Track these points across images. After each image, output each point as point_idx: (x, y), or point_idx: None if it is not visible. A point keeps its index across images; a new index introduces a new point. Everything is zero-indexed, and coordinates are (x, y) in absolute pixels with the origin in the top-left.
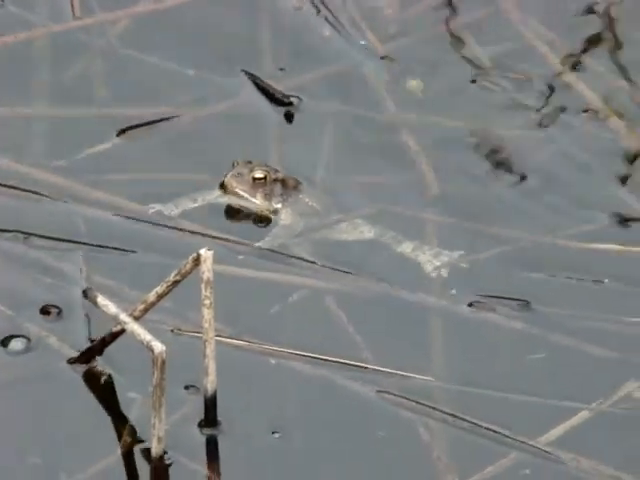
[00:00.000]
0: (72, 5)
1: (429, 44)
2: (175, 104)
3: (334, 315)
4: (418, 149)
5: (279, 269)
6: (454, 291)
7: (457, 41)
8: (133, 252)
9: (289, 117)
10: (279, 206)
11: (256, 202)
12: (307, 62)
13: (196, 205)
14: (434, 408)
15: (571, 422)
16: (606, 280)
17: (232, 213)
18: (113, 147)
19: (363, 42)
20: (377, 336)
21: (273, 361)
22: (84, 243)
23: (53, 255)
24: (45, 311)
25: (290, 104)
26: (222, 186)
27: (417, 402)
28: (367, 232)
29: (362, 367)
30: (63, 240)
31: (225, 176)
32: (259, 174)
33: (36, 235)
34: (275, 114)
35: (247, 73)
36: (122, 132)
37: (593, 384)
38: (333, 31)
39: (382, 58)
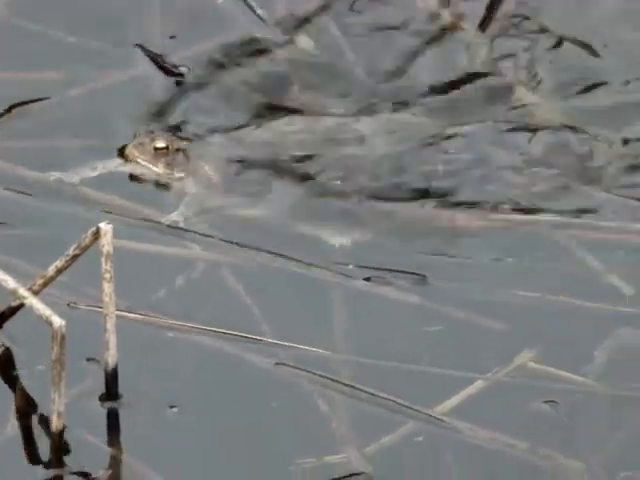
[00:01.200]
0: None
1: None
2: (66, 73)
3: (232, 288)
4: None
5: (177, 243)
6: (351, 266)
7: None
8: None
9: (180, 85)
10: (182, 175)
11: (158, 171)
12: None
13: (96, 174)
14: (332, 379)
15: (467, 391)
16: (499, 255)
17: (134, 181)
18: (6, 116)
19: (260, 11)
20: (275, 309)
21: (171, 334)
22: None
23: None
24: None
25: (180, 74)
26: (123, 155)
27: (315, 374)
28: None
29: (260, 340)
30: None
31: (126, 145)
32: (161, 143)
33: None
34: (166, 83)
35: (138, 44)
36: (16, 103)
37: (488, 355)
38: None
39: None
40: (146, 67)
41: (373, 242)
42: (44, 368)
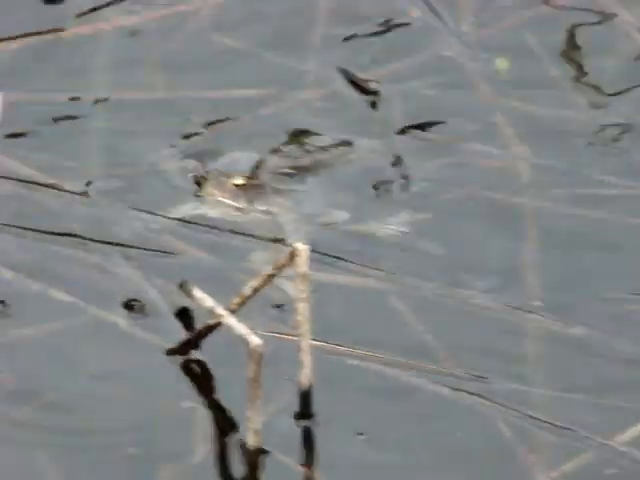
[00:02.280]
0: None
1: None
2: (259, 91)
3: (404, 316)
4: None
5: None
6: (538, 303)
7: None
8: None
9: (373, 105)
10: (265, 208)
11: (239, 206)
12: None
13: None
14: (513, 409)
15: None
16: None
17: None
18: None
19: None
20: (452, 338)
21: (354, 362)
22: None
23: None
24: (128, 306)
25: (375, 93)
26: (200, 196)
27: (496, 402)
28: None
29: (438, 370)
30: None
31: (201, 184)
32: (239, 180)
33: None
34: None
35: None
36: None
37: None
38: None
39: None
40: (341, 85)
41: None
42: (239, 386)
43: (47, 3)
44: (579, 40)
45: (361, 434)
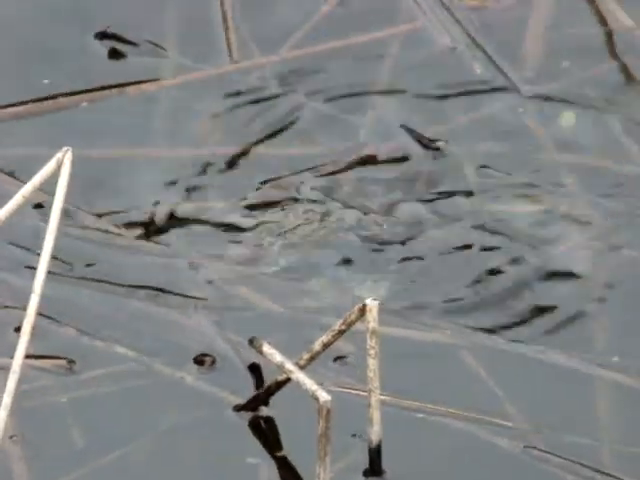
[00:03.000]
0: None
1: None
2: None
3: (473, 371)
4: None
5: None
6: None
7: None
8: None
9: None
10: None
11: None
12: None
13: None
14: (584, 465)
15: None
16: None
17: None
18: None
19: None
20: (518, 391)
21: (420, 415)
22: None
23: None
24: (199, 361)
25: (438, 149)
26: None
27: (566, 459)
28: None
29: (507, 425)
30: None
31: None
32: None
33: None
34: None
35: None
36: None
37: None
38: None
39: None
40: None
41: None
42: (307, 443)
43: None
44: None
45: None
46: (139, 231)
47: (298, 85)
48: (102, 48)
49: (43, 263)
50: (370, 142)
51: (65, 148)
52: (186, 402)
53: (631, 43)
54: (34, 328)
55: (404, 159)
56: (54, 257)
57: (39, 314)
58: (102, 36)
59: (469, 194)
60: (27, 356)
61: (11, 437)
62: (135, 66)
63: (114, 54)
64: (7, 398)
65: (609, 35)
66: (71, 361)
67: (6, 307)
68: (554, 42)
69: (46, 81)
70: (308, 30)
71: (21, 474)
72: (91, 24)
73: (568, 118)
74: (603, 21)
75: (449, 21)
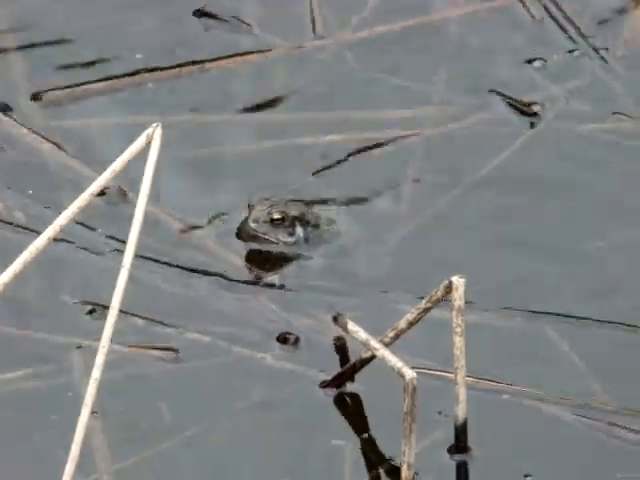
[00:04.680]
0: None
1: None
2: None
3: (560, 351)
4: None
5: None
6: None
7: None
8: None
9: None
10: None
11: (283, 241)
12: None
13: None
14: None
15: None
16: None
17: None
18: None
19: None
20: (609, 374)
21: (505, 397)
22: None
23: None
24: (283, 339)
25: (535, 114)
26: (240, 234)
27: None
28: None
29: (594, 407)
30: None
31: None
32: (277, 215)
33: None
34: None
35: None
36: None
37: None
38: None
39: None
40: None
41: None
42: (393, 419)
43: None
44: None
45: (528, 475)
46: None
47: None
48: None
49: (132, 238)
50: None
51: (155, 124)
52: (272, 380)
53: None
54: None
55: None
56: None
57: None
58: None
59: None
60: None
61: (93, 413)
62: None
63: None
64: (96, 372)
65: None
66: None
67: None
68: None
69: (139, 55)
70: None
71: (101, 447)
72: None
73: None
74: None
75: None
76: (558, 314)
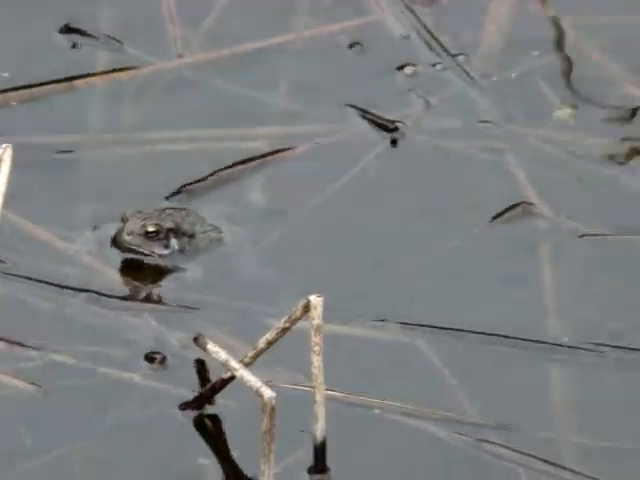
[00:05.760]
0: None
1: None
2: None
3: (431, 366)
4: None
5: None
6: (566, 339)
7: None
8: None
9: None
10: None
11: (158, 253)
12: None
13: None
14: (536, 457)
15: None
16: None
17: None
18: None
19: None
20: (477, 388)
21: (376, 411)
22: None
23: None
24: (150, 358)
25: (395, 130)
26: (116, 243)
27: (520, 452)
28: None
29: (462, 421)
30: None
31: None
32: (151, 227)
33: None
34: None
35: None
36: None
37: None
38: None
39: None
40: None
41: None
42: (253, 440)
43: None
44: None
45: None
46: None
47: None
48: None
49: None
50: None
51: (5, 145)
52: (137, 400)
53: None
54: None
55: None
56: None
57: None
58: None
59: None
60: None
61: None
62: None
63: (74, 47)
64: None
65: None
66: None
67: None
68: (510, 35)
69: (5, 74)
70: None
71: None
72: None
73: (564, 113)
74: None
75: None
76: (429, 325)
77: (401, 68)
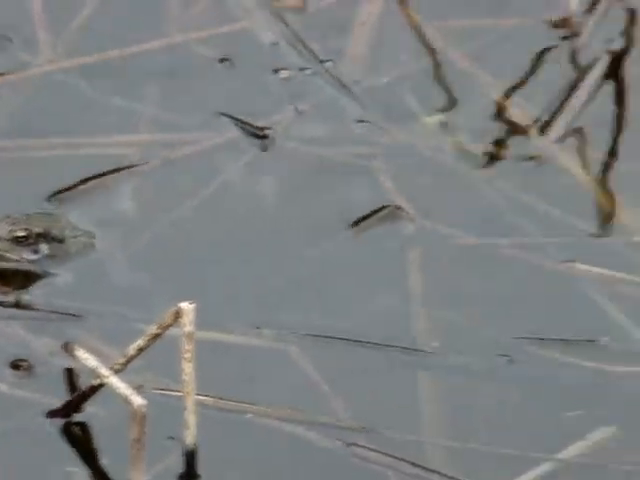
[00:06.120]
0: None
1: None
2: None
3: (304, 372)
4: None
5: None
6: (435, 344)
7: None
8: None
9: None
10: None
11: (27, 259)
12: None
13: None
14: (404, 460)
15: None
16: None
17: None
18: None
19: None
20: (349, 392)
21: (249, 416)
22: None
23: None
24: (16, 366)
25: (265, 137)
26: None
27: (389, 455)
28: None
29: (333, 425)
30: None
31: None
32: (21, 232)
33: None
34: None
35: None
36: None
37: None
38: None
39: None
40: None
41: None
42: (123, 447)
43: None
44: None
45: None
46: None
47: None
48: None
49: None
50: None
51: None
52: (3, 410)
53: None
54: None
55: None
56: None
57: None
58: None
59: None
60: None
61: None
62: None
63: None
64: None
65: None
66: None
67: None
68: (379, 41)
69: None
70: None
71: None
72: None
73: (433, 119)
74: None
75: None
76: (301, 332)
77: (271, 74)
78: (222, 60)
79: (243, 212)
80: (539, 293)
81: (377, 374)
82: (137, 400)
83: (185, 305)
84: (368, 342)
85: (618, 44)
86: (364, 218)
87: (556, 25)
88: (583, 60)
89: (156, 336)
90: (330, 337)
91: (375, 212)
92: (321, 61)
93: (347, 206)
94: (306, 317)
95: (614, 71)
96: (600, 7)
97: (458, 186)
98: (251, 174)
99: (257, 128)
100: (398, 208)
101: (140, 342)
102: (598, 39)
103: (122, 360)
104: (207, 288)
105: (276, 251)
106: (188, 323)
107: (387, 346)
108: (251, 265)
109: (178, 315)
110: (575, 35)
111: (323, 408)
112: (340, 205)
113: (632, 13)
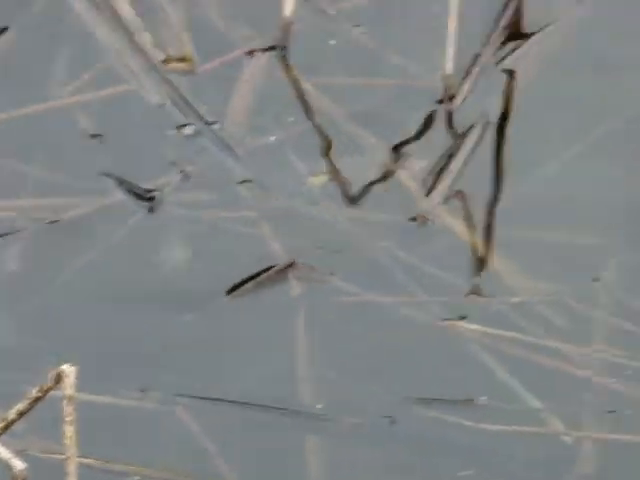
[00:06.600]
0: None
1: None
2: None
3: (190, 432)
4: None
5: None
6: (319, 406)
7: None
8: None
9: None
10: None
11: None
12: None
13: None
14: None
15: None
16: None
17: None
18: None
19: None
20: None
21: (135, 478)
22: None
23: None
24: None
25: (152, 199)
26: None
27: None
28: None
29: None
30: None
31: None
32: None
33: None
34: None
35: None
36: None
37: None
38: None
39: None
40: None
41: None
42: None
43: None
44: None
45: None
46: None
47: None
48: None
49: None
50: None
51: None
52: None
53: None
54: None
55: None
56: None
57: None
58: None
59: None
60: None
61: None
62: None
63: None
64: None
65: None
66: None
67: None
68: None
69: None
70: None
71: None
72: None
73: (319, 179)
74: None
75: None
76: (189, 395)
77: (159, 135)
78: (107, 124)
79: (131, 272)
80: (424, 351)
81: (265, 436)
82: (18, 464)
83: (66, 367)
84: (256, 405)
85: (495, 106)
86: (249, 279)
87: (432, 88)
88: (461, 123)
89: (37, 399)
90: (217, 399)
91: (260, 273)
92: (208, 123)
93: (233, 267)
94: (195, 380)
95: (492, 133)
96: (475, 70)
97: (343, 246)
98: (136, 236)
99: (144, 190)
100: (285, 269)
101: (20, 406)
102: (474, 102)
103: (2, 424)
104: (95, 349)
105: (165, 313)
106: (69, 386)
107: (274, 408)
108: (141, 326)
109: (59, 378)
110: (451, 98)
111: (210, 469)
112: (226, 266)
113: (510, 74)
